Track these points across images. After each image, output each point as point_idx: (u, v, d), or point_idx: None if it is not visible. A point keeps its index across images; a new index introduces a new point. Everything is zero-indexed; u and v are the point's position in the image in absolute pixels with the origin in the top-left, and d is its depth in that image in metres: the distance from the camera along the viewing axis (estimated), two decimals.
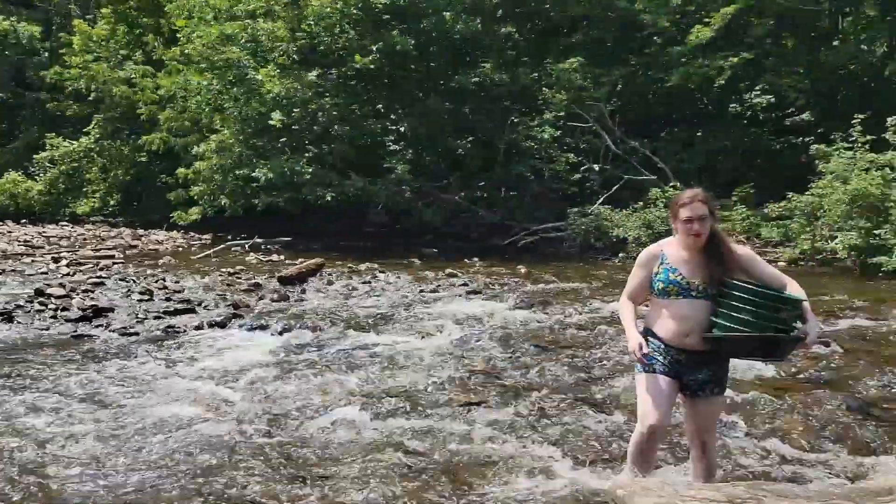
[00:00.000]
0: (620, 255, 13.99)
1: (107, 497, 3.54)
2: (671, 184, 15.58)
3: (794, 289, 3.01)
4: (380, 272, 12.01)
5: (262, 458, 4.00)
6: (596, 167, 17.25)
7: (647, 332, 3.18)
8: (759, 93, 16.11)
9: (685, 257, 3.07)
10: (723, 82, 15.93)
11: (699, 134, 17.75)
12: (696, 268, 3.04)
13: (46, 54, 24.20)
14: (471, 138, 17.29)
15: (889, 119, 12.42)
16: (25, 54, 24.75)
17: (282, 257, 13.48)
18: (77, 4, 25.12)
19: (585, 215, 15.61)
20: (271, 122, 15.02)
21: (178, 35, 18.23)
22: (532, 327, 7.55)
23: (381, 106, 17.29)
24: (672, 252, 3.12)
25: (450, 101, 16.94)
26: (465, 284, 10.58)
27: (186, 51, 17.09)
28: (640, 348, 3.03)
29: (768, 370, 5.55)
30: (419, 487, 3.67)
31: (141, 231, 16.35)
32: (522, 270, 12.18)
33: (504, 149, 17.40)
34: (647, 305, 3.41)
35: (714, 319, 2.98)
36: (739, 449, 4.13)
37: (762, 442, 4.26)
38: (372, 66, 15.75)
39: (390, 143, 17.00)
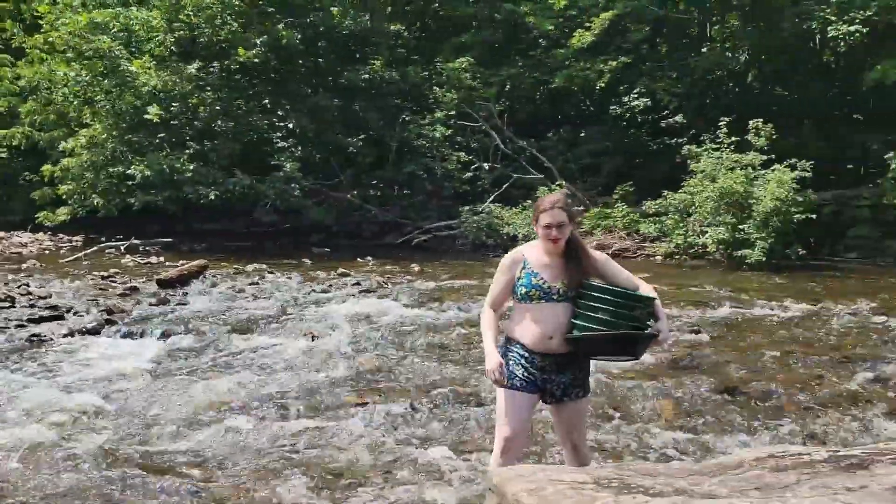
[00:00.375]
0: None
1: None
2: (557, 182, 16.13)
3: (646, 289, 3.12)
4: (268, 273, 11.69)
5: (137, 471, 3.77)
6: (486, 166, 17.59)
7: (508, 341, 3.19)
8: (636, 96, 16.98)
9: (546, 262, 3.11)
10: (603, 85, 16.65)
11: (583, 134, 18.49)
12: (557, 271, 3.08)
13: None
14: (362, 136, 17.15)
15: (750, 122, 13.43)
16: None
17: (161, 259, 12.83)
18: None
19: (477, 213, 15.87)
20: (147, 117, 14.23)
21: (40, 21, 16.91)
22: (423, 325, 7.58)
23: (267, 101, 16.80)
24: (533, 257, 3.15)
25: (339, 98, 16.72)
26: (357, 283, 10.48)
27: (51, 39, 15.86)
28: (499, 368, 3.06)
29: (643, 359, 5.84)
30: (309, 489, 3.60)
31: (1, 233, 15.02)
32: (416, 269, 12.23)
33: (396, 147, 17.40)
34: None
35: (574, 321, 3.03)
36: (614, 434, 4.32)
37: (634, 426, 4.49)
38: (256, 60, 15.28)
39: (278, 140, 16.56)
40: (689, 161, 13.86)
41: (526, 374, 3.09)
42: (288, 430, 4.45)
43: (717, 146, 13.54)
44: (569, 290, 3.05)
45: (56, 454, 4.04)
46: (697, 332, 7.00)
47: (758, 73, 17.17)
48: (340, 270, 11.76)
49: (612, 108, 17.71)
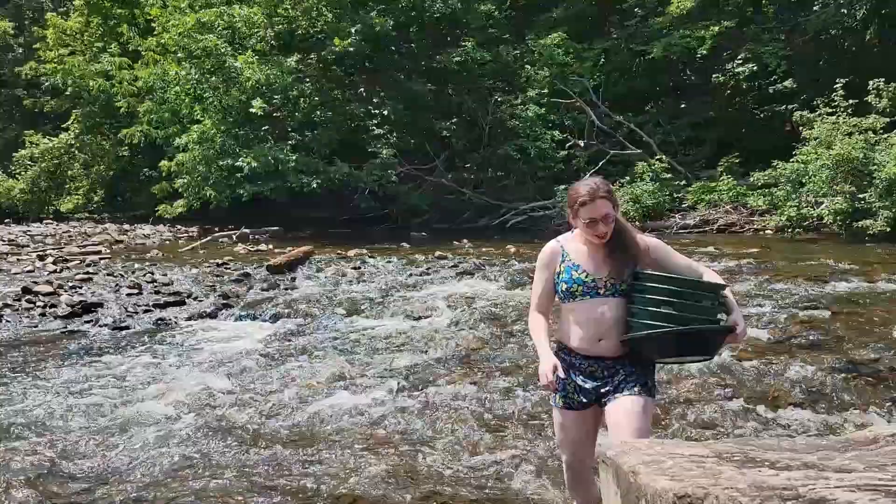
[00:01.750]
0: None
1: (107, 489, 3.54)
2: (657, 157, 15.60)
3: (712, 277, 2.67)
4: (369, 257, 11.99)
5: (261, 445, 4.01)
6: (581, 143, 17.24)
7: (559, 348, 2.77)
8: (741, 62, 16.12)
9: (588, 251, 2.68)
10: (705, 52, 15.91)
11: (683, 106, 17.77)
12: (602, 261, 2.65)
13: (21, 50, 23.82)
14: (455, 119, 17.21)
15: (870, 82, 12.46)
16: (0, 52, 24.39)
17: (270, 246, 13.43)
18: None
19: None
20: (252, 110, 14.88)
21: (153, 25, 17.97)
22: (522, 305, 7.57)
23: (362, 90, 17.17)
24: (573, 247, 2.72)
25: (432, 82, 16.84)
26: (455, 266, 10.58)
27: (162, 41, 16.85)
28: (554, 371, 2.57)
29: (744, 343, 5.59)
30: (419, 465, 3.71)
31: (126, 226, 16.19)
32: (512, 250, 12.20)
33: (489, 128, 17.35)
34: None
35: (630, 319, 2.60)
36: (728, 413, 4.17)
37: (750, 405, 4.32)
38: (352, 49, 15.61)
39: (374, 127, 16.90)
40: (800, 128, 13.05)
41: (575, 386, 2.70)
42: (397, 406, 4.59)
43: (833, 110, 12.66)
44: (618, 283, 2.61)
45: (185, 428, 4.35)
46: (816, 308, 6.62)
47: (878, 30, 15.87)
48: (438, 253, 11.91)
49: (714, 76, 16.90)
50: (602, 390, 2.65)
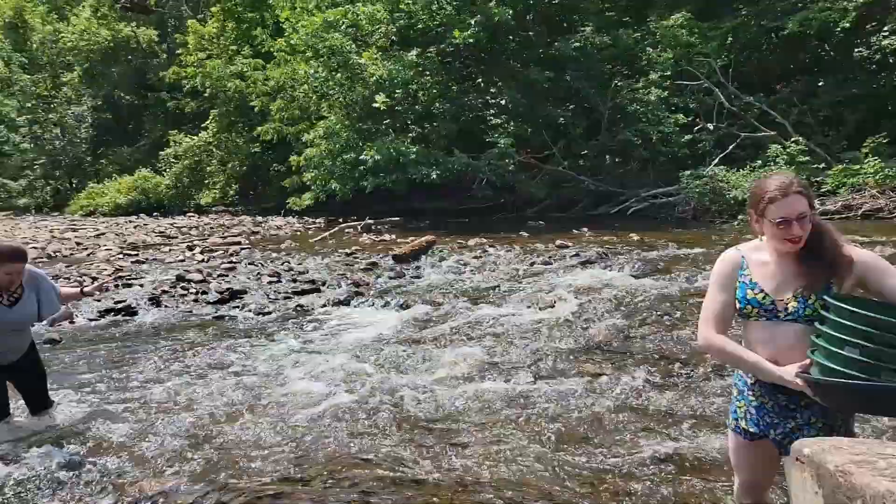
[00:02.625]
0: (739, 217, 13.40)
1: (263, 464, 3.83)
2: (792, 139, 14.70)
3: None
4: (489, 246, 12.11)
5: (401, 428, 4.20)
6: (710, 126, 16.51)
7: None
8: (886, 34, 14.82)
9: (771, 265, 2.26)
10: (847, 25, 14.77)
11: (821, 84, 16.58)
12: (790, 276, 2.20)
13: (164, 56, 25.79)
14: (572, 106, 16.97)
15: None
16: (146, 57, 26.49)
17: (393, 236, 13.86)
18: (188, 5, 26.49)
19: (699, 178, 15.01)
20: (375, 105, 15.38)
21: (282, 26, 18.91)
22: (651, 295, 7.41)
23: (480, 80, 17.28)
24: (755, 259, 2.31)
25: (550, 70, 16.68)
26: (576, 255, 10.49)
27: (292, 41, 17.73)
28: (799, 367, 2.13)
29: None
30: (554, 456, 3.75)
31: (259, 218, 17.25)
32: (635, 238, 11.92)
33: (608, 114, 16.99)
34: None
35: (812, 354, 2.11)
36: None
37: None
38: (471, 41, 15.75)
39: (491, 117, 16.98)
40: None
41: (746, 411, 2.40)
42: (530, 396, 4.66)
43: None
44: (804, 307, 2.16)
45: (331, 409, 4.62)
46: None
47: None
48: (559, 242, 11.83)
49: (857, 51, 15.65)
50: (776, 431, 2.30)
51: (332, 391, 4.98)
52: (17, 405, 4.28)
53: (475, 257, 10.96)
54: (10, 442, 3.94)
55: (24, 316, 3.92)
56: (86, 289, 4.33)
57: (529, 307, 7.39)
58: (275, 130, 18.78)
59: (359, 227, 15.21)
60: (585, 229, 13.65)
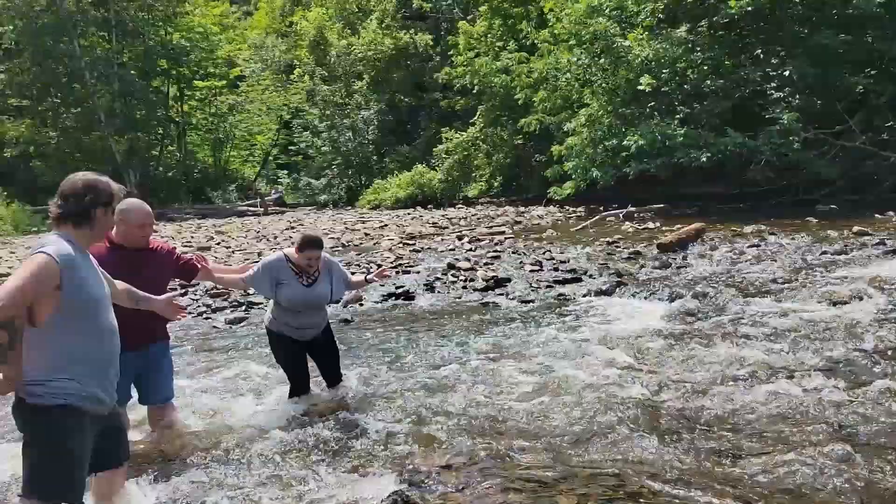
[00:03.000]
0: None
1: (522, 453, 3.90)
2: None
3: None
4: (769, 234, 11.01)
5: (666, 429, 3.99)
6: None
7: None
8: None
9: None
10: None
11: None
12: None
13: (437, 58, 27.70)
14: (874, 72, 14.62)
15: None
16: (422, 61, 28.72)
17: (657, 224, 13.28)
18: (459, 8, 28.11)
19: None
20: (640, 87, 14.83)
21: (546, 17, 19.12)
22: None
23: (759, 52, 15.70)
24: None
25: (845, 32, 14.54)
26: (881, 243, 9.06)
27: (555, 31, 17.86)
28: None
29: None
30: (852, 474, 3.28)
31: (522, 208, 17.73)
32: None
33: None
34: None
35: None
36: None
37: None
38: (749, 8, 14.36)
39: (772, 91, 15.34)
40: None
41: None
42: (819, 404, 4.12)
43: None
44: None
45: (597, 401, 4.54)
46: None
47: None
48: (856, 229, 10.33)
49: None
50: None
51: (593, 382, 4.92)
52: (314, 378, 4.89)
53: (751, 246, 10.04)
54: (309, 410, 4.53)
55: (320, 296, 4.46)
56: (369, 276, 4.80)
57: (820, 303, 6.56)
58: (537, 121, 19.12)
59: (621, 216, 14.84)
60: (892, 214, 11.73)
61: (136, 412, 4.24)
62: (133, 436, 4.09)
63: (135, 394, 4.09)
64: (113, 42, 30.24)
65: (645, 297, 7.83)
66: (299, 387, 4.63)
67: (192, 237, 15.56)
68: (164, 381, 4.14)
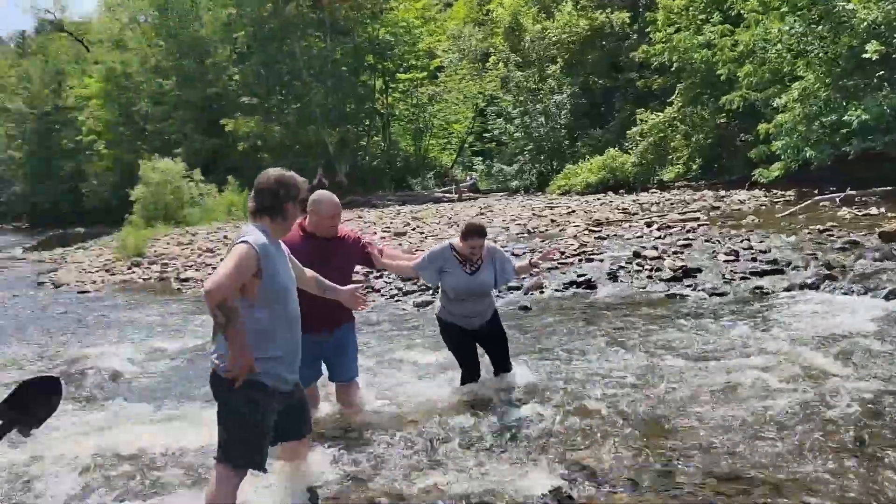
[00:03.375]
0: None
1: (702, 456, 3.72)
2: None
3: None
4: None
5: (881, 453, 3.57)
6: None
7: None
8: None
9: None
10: None
11: None
12: None
13: (635, 37, 26.60)
14: None
15: None
16: (618, 41, 27.76)
17: (882, 210, 11.69)
18: None
19: None
20: (865, 56, 13.09)
21: None
22: None
23: None
24: None
25: None
26: None
27: None
28: None
29: None
30: None
31: (722, 192, 16.52)
32: None
33: None
34: None
35: None
36: None
37: None
38: None
39: None
40: None
41: None
42: None
43: None
44: None
45: (782, 406, 4.19)
46: None
47: None
48: None
49: None
50: None
51: (783, 388, 4.54)
52: (486, 365, 5.01)
53: None
54: (478, 397, 4.64)
55: (483, 284, 4.53)
56: (533, 260, 4.78)
57: None
58: (741, 98, 17.65)
59: (837, 200, 13.25)
60: None
61: (327, 388, 4.66)
62: (322, 409, 4.54)
63: (325, 371, 4.50)
64: (327, 41, 32.86)
65: (859, 294, 7.04)
66: (469, 374, 4.75)
67: (391, 223, 16.56)
68: (348, 361, 4.50)
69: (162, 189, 24.31)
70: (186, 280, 12.26)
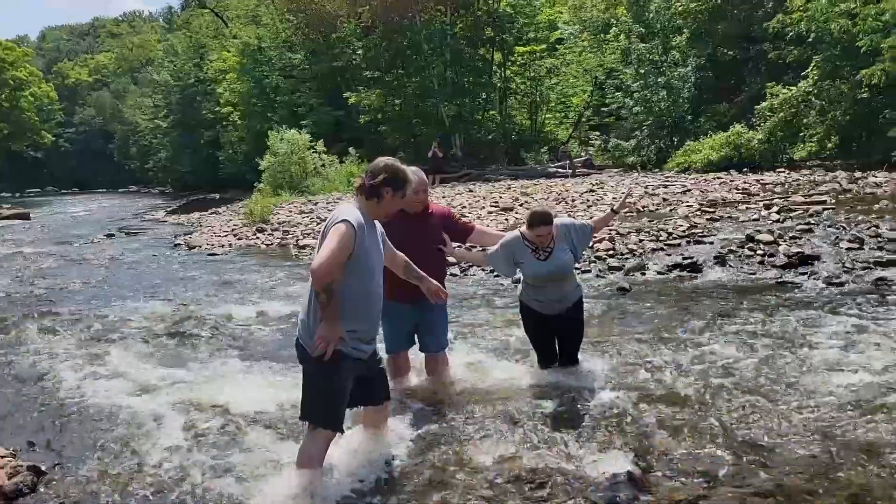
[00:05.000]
0: None
1: (768, 455, 3.64)
2: None
3: None
4: None
5: None
6: None
7: None
8: None
9: None
10: None
11: None
12: None
13: (770, 4, 24.81)
14: None
15: None
16: (752, 9, 26.00)
17: None
18: None
19: None
20: None
21: None
22: None
23: None
24: None
25: None
26: None
27: None
28: None
29: None
30: None
31: (858, 174, 15.26)
32: None
33: None
34: None
35: None
36: None
37: None
38: None
39: None
40: None
41: None
42: None
43: None
44: None
45: (862, 410, 3.99)
46: None
47: None
48: None
49: None
50: None
51: (879, 392, 4.28)
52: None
53: None
54: (558, 380, 4.62)
55: (559, 267, 4.48)
56: (615, 207, 4.82)
57: None
58: (882, 72, 16.10)
59: None
60: None
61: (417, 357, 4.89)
62: (410, 378, 4.79)
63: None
64: (448, 14, 33.03)
65: None
66: (544, 359, 4.78)
67: (500, 198, 16.63)
68: (438, 333, 4.70)
69: (288, 159, 25.63)
70: (304, 247, 13.00)
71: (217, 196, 34.28)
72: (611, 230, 10.19)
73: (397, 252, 3.76)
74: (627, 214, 11.83)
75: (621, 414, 4.14)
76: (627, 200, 4.76)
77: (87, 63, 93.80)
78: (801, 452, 3.56)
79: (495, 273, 9.20)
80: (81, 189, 69.23)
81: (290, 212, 18.62)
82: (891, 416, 3.89)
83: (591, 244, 5.60)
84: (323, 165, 26.81)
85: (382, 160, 3.40)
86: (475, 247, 5.84)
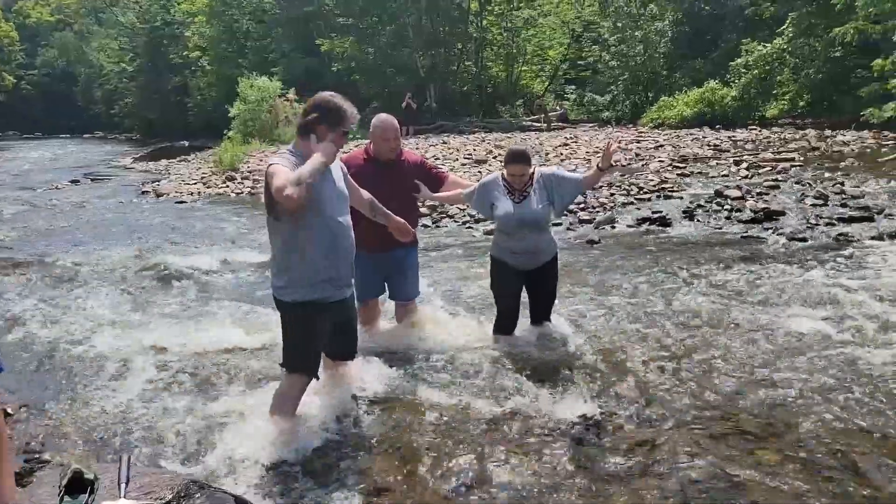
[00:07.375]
0: None
1: (729, 404, 3.77)
2: None
3: None
4: None
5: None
6: None
7: None
8: None
9: None
10: None
11: None
12: None
13: None
14: None
15: None
16: None
17: None
18: None
19: None
20: None
21: None
22: None
23: None
24: None
25: None
26: None
27: None
28: None
29: None
30: None
31: (827, 132, 15.45)
32: None
33: None
34: None
35: None
36: None
37: None
38: None
39: None
40: None
41: None
42: None
43: None
44: None
45: (827, 358, 4.14)
46: None
47: None
48: None
49: None
50: None
51: (843, 340, 4.44)
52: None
53: None
54: (526, 331, 4.54)
55: (534, 213, 4.17)
56: (600, 165, 4.22)
57: None
58: (855, 30, 16.17)
59: None
60: None
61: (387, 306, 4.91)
62: (380, 325, 4.81)
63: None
64: None
65: None
66: (504, 324, 4.50)
67: (474, 150, 16.55)
68: (408, 282, 4.69)
69: (259, 107, 25.07)
70: None
71: (186, 143, 33.54)
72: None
73: (360, 189, 3.71)
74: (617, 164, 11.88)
75: (587, 362, 4.23)
76: (612, 149, 4.35)
77: (49, 2, 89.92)
78: (757, 397, 3.68)
79: (468, 225, 9.25)
80: (45, 134, 67.25)
81: (261, 161, 18.32)
82: (842, 363, 4.04)
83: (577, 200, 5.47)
84: (295, 114, 26.31)
85: (317, 95, 3.25)
86: None
